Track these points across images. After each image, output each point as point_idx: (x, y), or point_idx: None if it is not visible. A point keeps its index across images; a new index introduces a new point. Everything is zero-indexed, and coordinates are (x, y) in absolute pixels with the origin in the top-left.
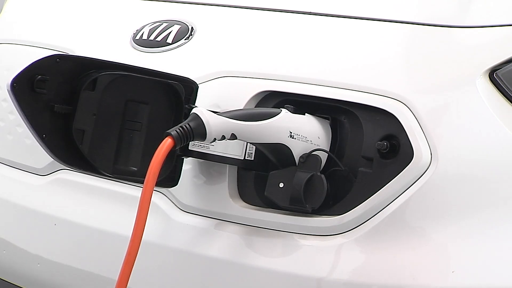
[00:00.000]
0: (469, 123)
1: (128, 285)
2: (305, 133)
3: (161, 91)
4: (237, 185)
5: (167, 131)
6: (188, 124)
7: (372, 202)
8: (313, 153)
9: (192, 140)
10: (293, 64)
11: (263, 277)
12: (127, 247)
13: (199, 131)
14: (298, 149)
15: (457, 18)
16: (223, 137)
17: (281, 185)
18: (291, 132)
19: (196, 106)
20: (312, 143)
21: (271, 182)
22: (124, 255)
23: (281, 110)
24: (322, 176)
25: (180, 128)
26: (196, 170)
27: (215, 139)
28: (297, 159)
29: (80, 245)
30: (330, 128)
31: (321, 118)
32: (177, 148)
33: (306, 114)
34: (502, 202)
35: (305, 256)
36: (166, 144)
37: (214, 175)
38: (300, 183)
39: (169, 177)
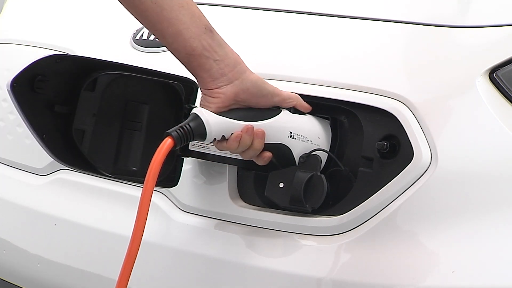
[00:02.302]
0: (469, 123)
1: (128, 285)
2: (305, 133)
3: (161, 91)
4: (237, 185)
5: (167, 131)
6: (188, 124)
7: (372, 202)
8: (313, 153)
9: (192, 140)
10: (293, 64)
11: (263, 277)
12: (127, 247)
13: (199, 131)
14: (298, 149)
15: (457, 18)
16: (223, 137)
17: (281, 185)
18: (291, 132)
19: (196, 106)
20: (312, 143)
21: (271, 182)
22: (124, 255)
23: (281, 110)
24: (322, 176)
25: (180, 128)
26: (196, 170)
27: (215, 139)
28: (297, 159)
29: (80, 245)
30: (330, 128)
31: (321, 118)
32: (177, 148)
33: (306, 114)
34: (502, 201)
35: (305, 256)
36: (166, 144)
37: (214, 175)
38: (300, 183)
39: (169, 177)
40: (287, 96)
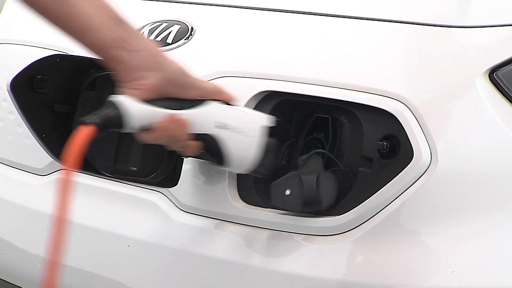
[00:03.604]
0: (469, 123)
1: (128, 285)
2: (237, 124)
3: None
4: (237, 185)
5: (81, 118)
6: (103, 111)
7: (372, 202)
8: (312, 154)
9: (110, 128)
10: (293, 64)
11: (263, 277)
12: (126, 247)
13: (116, 119)
14: (229, 141)
15: (457, 18)
16: (146, 128)
17: (287, 192)
18: (218, 123)
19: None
20: (246, 136)
21: (276, 192)
22: (123, 255)
23: (209, 100)
24: (328, 172)
25: (94, 115)
26: (196, 170)
27: (137, 129)
28: (231, 150)
29: (80, 245)
30: (276, 122)
31: (263, 113)
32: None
33: (242, 106)
34: (502, 202)
35: (305, 256)
36: (84, 132)
37: (214, 175)
38: (312, 185)
39: (169, 177)
40: (207, 88)
